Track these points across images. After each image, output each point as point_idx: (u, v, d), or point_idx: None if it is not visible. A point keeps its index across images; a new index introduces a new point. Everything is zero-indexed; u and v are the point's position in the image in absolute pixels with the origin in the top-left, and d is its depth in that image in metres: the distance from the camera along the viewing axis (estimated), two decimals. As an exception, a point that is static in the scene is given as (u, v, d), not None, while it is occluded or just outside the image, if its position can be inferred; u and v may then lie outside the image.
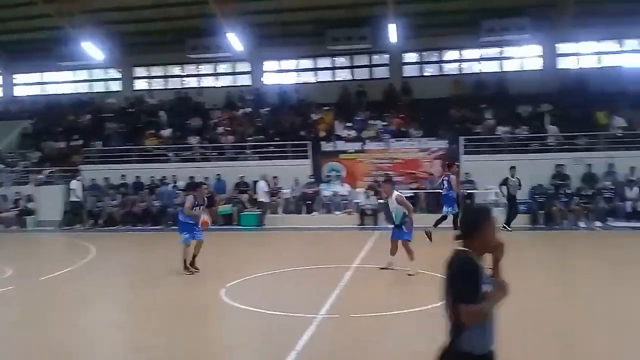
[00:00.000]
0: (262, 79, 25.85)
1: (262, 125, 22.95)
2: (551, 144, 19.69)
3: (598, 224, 16.76)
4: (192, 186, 12.55)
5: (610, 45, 23.41)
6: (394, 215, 10.21)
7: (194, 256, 10.65)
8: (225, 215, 19.15)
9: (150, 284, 10.26)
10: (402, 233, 10.01)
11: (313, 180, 19.86)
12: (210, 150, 22.05)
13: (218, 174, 20.38)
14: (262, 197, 19.02)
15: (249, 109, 23.98)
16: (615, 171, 18.08)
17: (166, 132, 23.16)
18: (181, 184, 20.34)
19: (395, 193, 10.12)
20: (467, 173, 18.88)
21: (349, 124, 21.85)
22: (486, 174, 18.40)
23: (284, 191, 19.57)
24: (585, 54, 23.51)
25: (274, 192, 19.59)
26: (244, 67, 26.24)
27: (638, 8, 20.82)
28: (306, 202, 19.36)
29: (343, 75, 25.71)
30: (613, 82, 21.69)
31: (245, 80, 26.24)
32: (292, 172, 19.85)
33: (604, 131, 19.52)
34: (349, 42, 23.09)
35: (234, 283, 9.66)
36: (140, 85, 27.60)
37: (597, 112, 20.31)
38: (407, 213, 9.99)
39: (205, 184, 12.44)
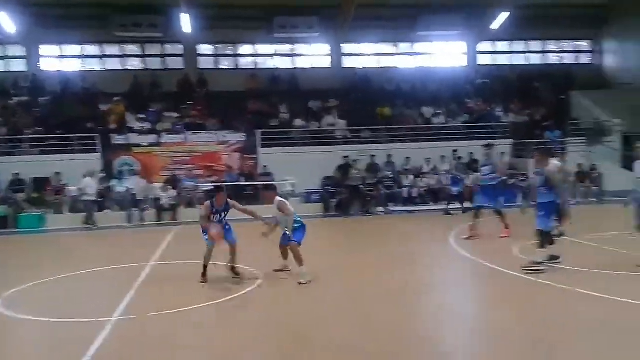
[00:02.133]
0: (38, 65, 23.26)
1: (41, 115, 20.69)
2: (339, 137, 21.14)
3: (380, 209, 18.47)
4: (212, 190, 9.79)
5: (387, 47, 25.88)
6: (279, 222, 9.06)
7: (232, 264, 9.06)
8: (-1, 217, 16.87)
9: None
10: (287, 237, 8.87)
11: (104, 175, 18.52)
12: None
13: (-12, 171, 17.88)
14: (88, 196, 17.11)
15: (25, 98, 21.45)
16: (394, 161, 20.10)
17: None
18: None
19: (277, 199, 9.05)
20: (265, 166, 19.36)
21: (142, 116, 20.84)
22: (283, 166, 19.08)
23: (70, 188, 17.90)
24: (367, 55, 25.65)
25: (58, 190, 17.82)
26: (18, 50, 23.36)
27: (409, 15, 23.50)
28: (97, 200, 17.96)
29: (134, 64, 24.41)
30: (390, 81, 24.18)
31: (19, 65, 23.38)
32: (80, 167, 18.18)
33: (384, 125, 21.58)
34: (138, 29, 22.03)
35: (11, 292, 8.55)
36: None
37: (378, 108, 22.35)
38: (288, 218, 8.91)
39: (223, 188, 9.58)
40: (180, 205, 17.94)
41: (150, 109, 21.31)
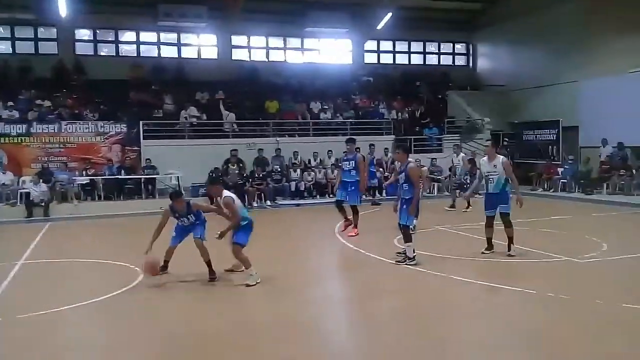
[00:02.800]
0: None
1: None
2: (227, 129, 20.85)
3: (268, 203, 18.47)
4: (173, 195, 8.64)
5: (276, 41, 25.88)
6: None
7: (209, 264, 8.26)
8: None
9: None
10: (235, 235, 8.09)
11: (-36, 167, 16.82)
12: None
13: None
14: None
15: None
16: (282, 155, 20.18)
17: None
18: None
19: (225, 194, 8.21)
20: (147, 159, 18.58)
21: (11, 104, 19.14)
22: (167, 159, 18.47)
23: None
24: (256, 48, 25.48)
25: None
26: None
27: (298, 11, 23.67)
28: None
29: (2, 47, 22.34)
30: (279, 75, 24.24)
31: None
32: None
33: (273, 119, 21.62)
34: (8, 10, 20.20)
35: None
36: None
37: (267, 102, 22.30)
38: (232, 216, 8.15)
39: (180, 194, 8.72)
40: (53, 200, 16.73)
41: (20, 96, 19.65)
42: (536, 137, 22.99)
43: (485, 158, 9.57)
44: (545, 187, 20.50)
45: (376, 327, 6.40)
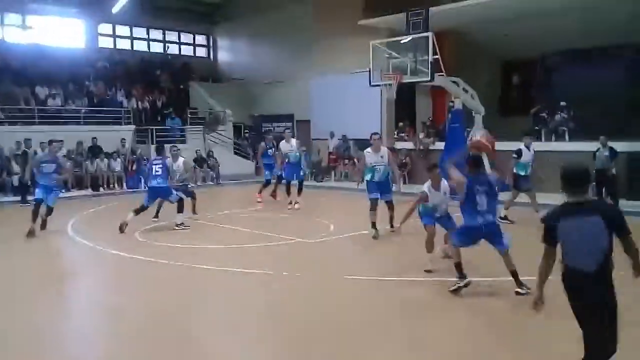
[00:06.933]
0: None
1: None
2: None
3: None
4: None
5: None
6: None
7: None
8: None
9: None
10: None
11: None
12: None
13: None
14: None
15: None
16: (1, 146, 17.67)
17: None
18: None
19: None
20: None
21: None
22: None
23: None
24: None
25: None
26: None
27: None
28: None
29: None
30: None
31: None
32: None
33: None
34: None
35: None
36: None
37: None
38: None
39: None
40: None
41: None
42: (274, 129, 24.44)
43: (369, 150, 10.04)
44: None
45: (114, 324, 6.07)
